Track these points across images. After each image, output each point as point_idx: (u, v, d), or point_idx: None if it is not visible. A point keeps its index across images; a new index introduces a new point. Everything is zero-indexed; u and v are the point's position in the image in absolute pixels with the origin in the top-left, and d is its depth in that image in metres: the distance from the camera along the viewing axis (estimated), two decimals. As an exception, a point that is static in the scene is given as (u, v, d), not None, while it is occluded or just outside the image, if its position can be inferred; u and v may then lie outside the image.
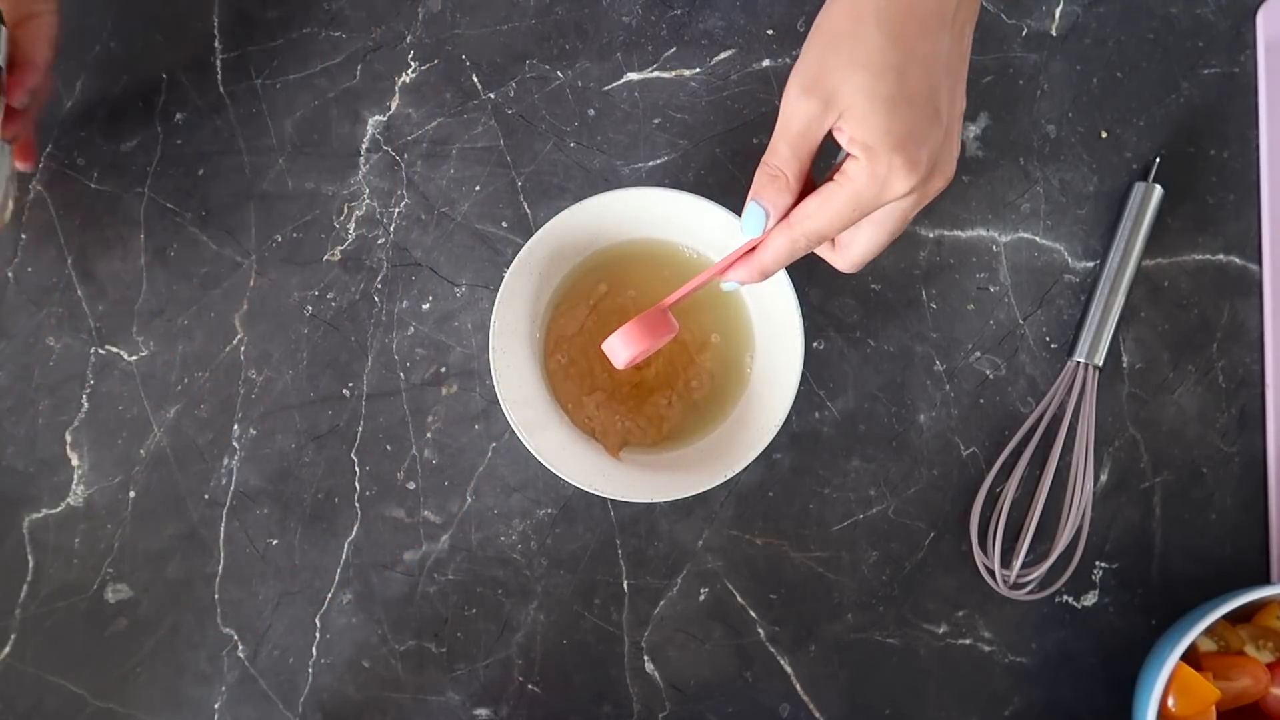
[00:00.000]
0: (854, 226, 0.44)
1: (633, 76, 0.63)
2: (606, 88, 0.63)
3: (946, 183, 0.43)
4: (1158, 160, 0.61)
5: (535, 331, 0.59)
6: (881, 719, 0.61)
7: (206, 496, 0.61)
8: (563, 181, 0.62)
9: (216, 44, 0.64)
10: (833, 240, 0.46)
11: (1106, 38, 0.63)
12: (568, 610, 0.61)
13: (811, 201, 0.42)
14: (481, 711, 0.61)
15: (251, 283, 0.62)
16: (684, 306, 0.60)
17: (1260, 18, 0.63)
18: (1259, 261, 0.62)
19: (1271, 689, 0.56)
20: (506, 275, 0.56)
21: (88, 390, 0.62)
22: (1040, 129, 0.63)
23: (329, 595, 0.61)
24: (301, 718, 0.60)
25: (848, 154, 0.41)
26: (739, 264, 0.46)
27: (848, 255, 0.46)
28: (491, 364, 0.56)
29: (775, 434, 0.56)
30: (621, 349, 0.49)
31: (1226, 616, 0.55)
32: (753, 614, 0.61)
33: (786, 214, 0.44)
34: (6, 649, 0.61)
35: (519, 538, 0.61)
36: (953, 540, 0.61)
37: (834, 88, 0.40)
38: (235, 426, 0.61)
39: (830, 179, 0.42)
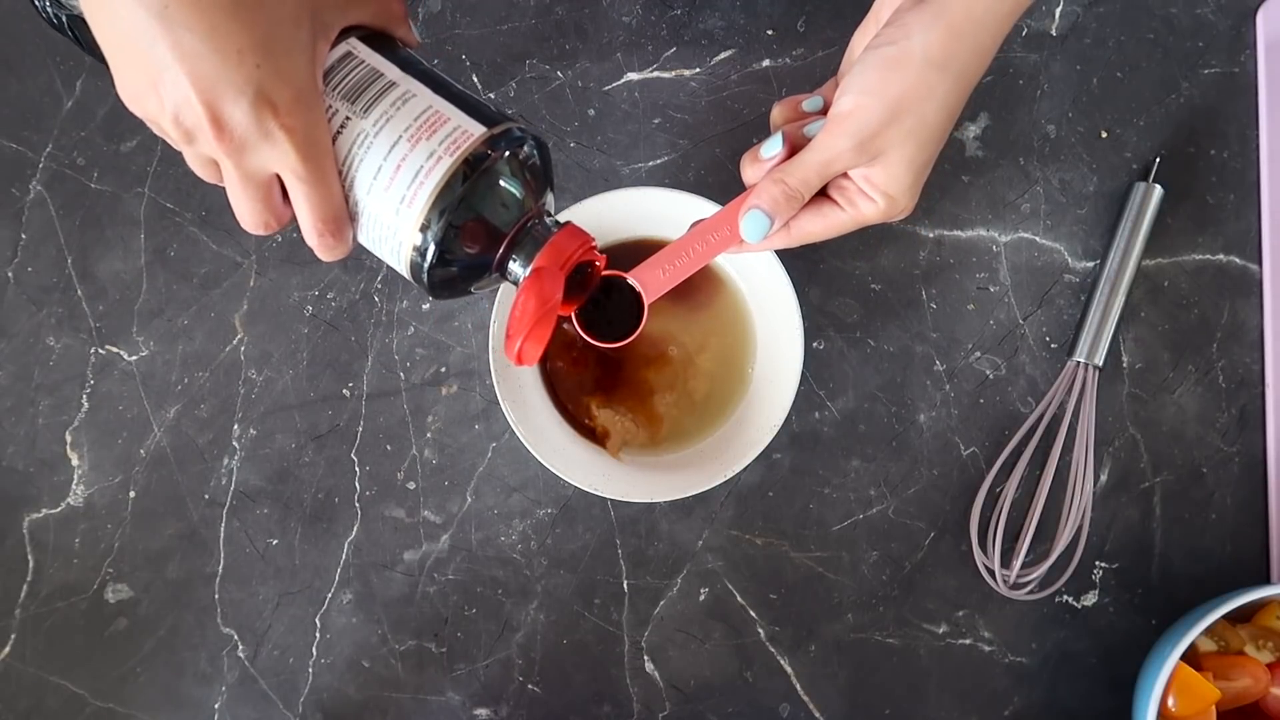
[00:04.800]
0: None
1: (633, 76, 0.63)
2: (606, 88, 0.63)
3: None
4: (1158, 160, 0.61)
5: (535, 331, 0.59)
6: (881, 719, 0.60)
7: (206, 496, 0.61)
8: (562, 181, 0.62)
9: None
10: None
11: (1106, 38, 0.63)
12: (568, 610, 0.61)
13: (816, 222, 0.46)
14: (481, 711, 0.61)
15: (251, 283, 0.62)
16: (684, 307, 0.60)
17: (1260, 18, 0.63)
18: (1259, 261, 0.62)
19: (1271, 689, 0.56)
20: (506, 275, 0.56)
21: (88, 390, 0.62)
22: (1040, 129, 0.63)
23: (329, 595, 0.61)
24: (301, 718, 0.60)
25: (854, 183, 0.44)
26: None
27: (794, 239, 0.48)
28: (491, 364, 0.56)
29: (775, 434, 0.56)
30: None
31: (1226, 616, 0.55)
32: (753, 614, 0.61)
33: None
34: (6, 649, 0.61)
35: (519, 538, 0.61)
36: (953, 540, 0.61)
37: (885, 150, 0.43)
38: (235, 426, 0.61)
39: (829, 198, 0.45)
